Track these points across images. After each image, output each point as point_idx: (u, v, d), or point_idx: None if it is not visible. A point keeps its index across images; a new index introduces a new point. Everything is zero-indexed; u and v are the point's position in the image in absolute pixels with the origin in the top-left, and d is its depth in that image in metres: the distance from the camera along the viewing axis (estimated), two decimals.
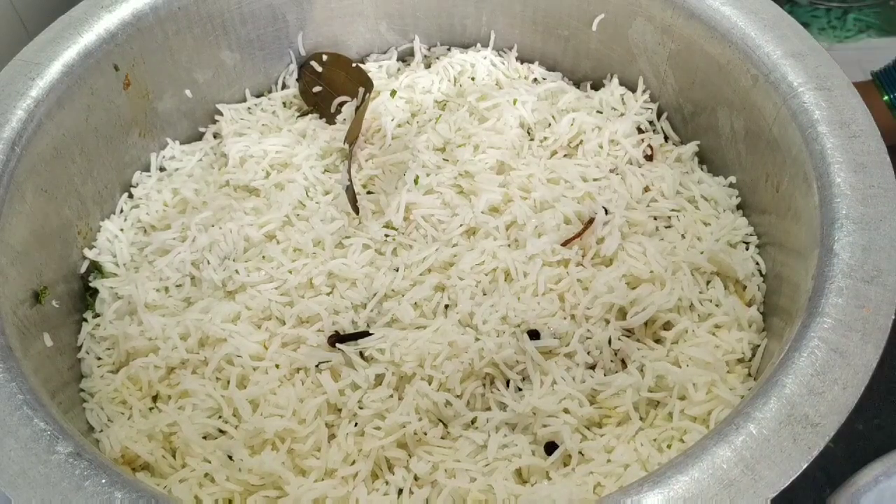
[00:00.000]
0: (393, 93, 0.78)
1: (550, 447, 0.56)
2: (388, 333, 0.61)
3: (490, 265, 0.64)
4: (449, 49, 0.84)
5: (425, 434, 0.57)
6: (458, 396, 0.58)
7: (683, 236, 0.67)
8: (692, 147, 0.74)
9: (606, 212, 0.66)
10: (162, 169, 0.76)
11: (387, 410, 0.57)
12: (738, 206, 0.70)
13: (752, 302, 0.63)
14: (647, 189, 0.70)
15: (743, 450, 0.43)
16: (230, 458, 0.56)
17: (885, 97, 0.79)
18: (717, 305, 0.62)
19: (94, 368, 0.64)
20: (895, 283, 0.49)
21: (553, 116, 0.75)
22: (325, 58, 0.81)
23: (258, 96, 0.82)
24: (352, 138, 0.73)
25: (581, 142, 0.73)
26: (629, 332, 0.61)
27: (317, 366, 0.60)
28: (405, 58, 0.85)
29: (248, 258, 0.67)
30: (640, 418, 0.57)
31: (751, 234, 0.67)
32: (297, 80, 0.82)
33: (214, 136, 0.79)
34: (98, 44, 0.66)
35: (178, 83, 0.75)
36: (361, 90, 0.78)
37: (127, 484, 0.44)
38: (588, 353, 0.60)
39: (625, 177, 0.70)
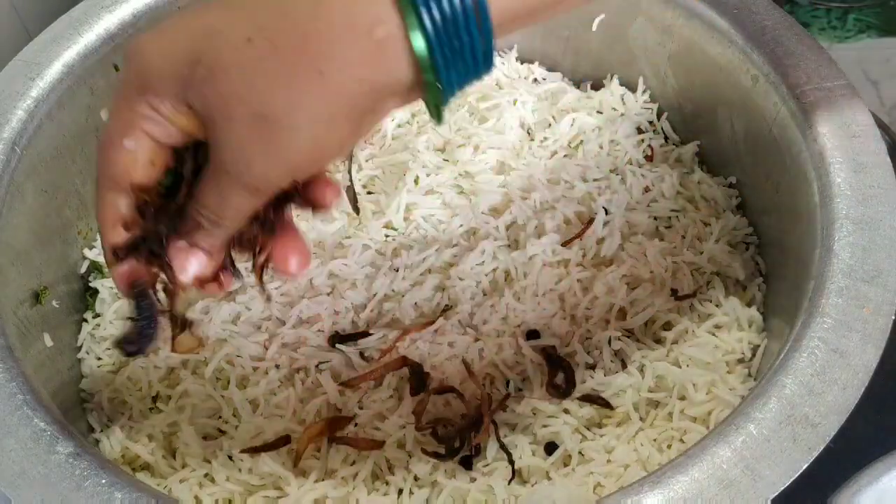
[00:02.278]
0: None
1: (550, 447, 0.56)
2: (388, 334, 0.61)
3: (490, 266, 0.64)
4: None
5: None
6: (458, 397, 0.58)
7: (683, 237, 0.67)
8: (692, 147, 0.74)
9: (606, 212, 0.66)
10: None
11: (387, 411, 0.57)
12: (738, 206, 0.70)
13: (752, 302, 0.63)
14: (647, 189, 0.70)
15: (743, 450, 0.43)
16: (230, 458, 0.56)
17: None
18: (717, 306, 0.62)
19: (94, 368, 0.64)
20: (895, 284, 0.49)
21: (553, 117, 0.75)
22: None
23: None
24: None
25: (581, 142, 0.73)
26: (629, 333, 0.61)
27: (317, 366, 0.60)
28: None
29: (248, 258, 0.66)
30: (640, 418, 0.57)
31: (751, 234, 0.67)
32: None
33: None
34: (98, 44, 0.66)
35: None
36: None
37: (127, 484, 0.44)
38: (588, 353, 0.60)
39: (625, 177, 0.70)
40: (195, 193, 0.37)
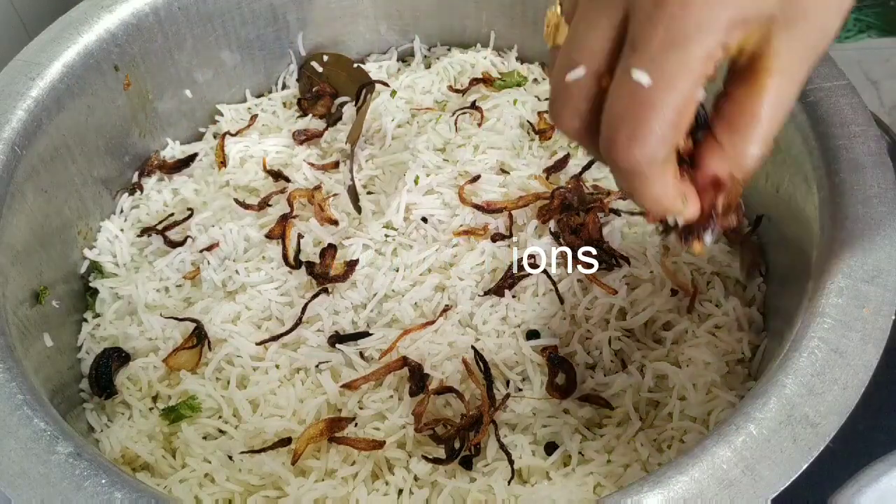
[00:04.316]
0: (393, 93, 0.78)
1: (550, 447, 0.56)
2: (388, 334, 0.61)
3: (490, 265, 0.64)
4: (449, 49, 0.84)
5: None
6: (458, 397, 0.58)
7: None
8: None
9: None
10: None
11: (387, 411, 0.57)
12: (738, 206, 0.69)
13: (752, 302, 0.63)
14: None
15: (743, 450, 0.43)
16: (230, 458, 0.56)
17: None
18: (717, 306, 0.62)
19: None
20: (895, 283, 0.49)
21: None
22: (325, 58, 0.81)
23: (258, 96, 0.82)
24: (353, 139, 0.73)
25: None
26: (629, 333, 0.61)
27: (317, 366, 0.60)
28: (405, 58, 0.85)
29: (248, 258, 0.67)
30: (640, 418, 0.57)
31: (751, 235, 0.67)
32: (298, 80, 0.82)
33: (214, 137, 0.79)
34: (98, 44, 0.66)
35: (178, 83, 0.75)
36: (362, 90, 0.78)
37: (127, 484, 0.44)
38: (588, 353, 0.60)
39: None
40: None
